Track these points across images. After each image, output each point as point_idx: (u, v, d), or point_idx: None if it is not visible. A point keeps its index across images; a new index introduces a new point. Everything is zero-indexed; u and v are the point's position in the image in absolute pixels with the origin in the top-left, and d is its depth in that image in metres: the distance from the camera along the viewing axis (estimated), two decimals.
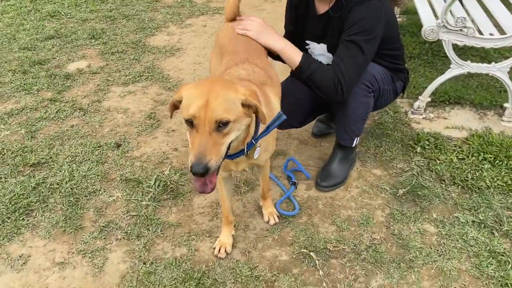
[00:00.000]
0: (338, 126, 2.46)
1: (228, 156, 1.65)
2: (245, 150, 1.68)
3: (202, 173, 1.38)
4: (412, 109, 3.00)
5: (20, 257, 2.10)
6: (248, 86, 1.64)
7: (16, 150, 2.78)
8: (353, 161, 2.59)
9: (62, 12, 4.99)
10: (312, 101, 2.49)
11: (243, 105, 1.50)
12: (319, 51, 2.33)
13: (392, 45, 2.31)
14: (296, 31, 2.40)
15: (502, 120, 2.88)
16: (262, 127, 1.71)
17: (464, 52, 3.71)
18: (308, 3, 2.28)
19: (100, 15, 4.95)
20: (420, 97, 2.94)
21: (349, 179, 2.55)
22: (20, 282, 1.98)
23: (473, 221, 2.25)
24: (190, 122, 1.45)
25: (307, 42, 2.36)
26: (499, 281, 1.96)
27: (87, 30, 4.55)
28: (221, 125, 1.43)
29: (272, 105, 1.81)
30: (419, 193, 2.43)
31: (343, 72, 2.03)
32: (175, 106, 1.60)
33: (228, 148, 1.53)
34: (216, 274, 2.00)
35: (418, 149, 2.71)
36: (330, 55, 2.27)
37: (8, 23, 4.76)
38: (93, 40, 4.35)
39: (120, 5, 5.24)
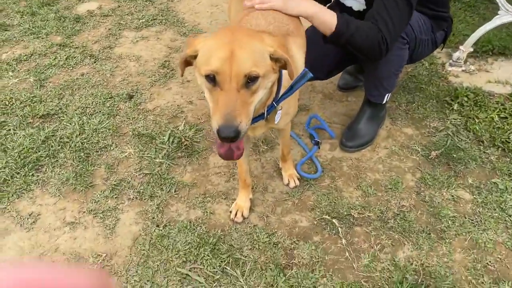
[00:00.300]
0: (368, 81, 2.22)
1: None
2: (265, 114, 1.49)
3: (233, 137, 1.20)
4: (450, 61, 2.72)
5: (29, 215, 2.02)
6: (275, 37, 1.42)
7: (25, 100, 2.65)
8: (382, 119, 2.38)
9: None
10: (339, 51, 2.24)
11: (271, 58, 1.30)
12: None
13: None
14: None
15: None
16: (284, 87, 1.51)
17: None
18: None
19: None
20: (460, 47, 2.65)
21: (377, 138, 2.35)
22: (30, 241, 1.92)
23: None
24: (211, 79, 1.25)
25: None
26: None
27: None
28: (250, 81, 1.24)
29: (295, 60, 1.59)
30: (454, 155, 2.22)
31: (389, 27, 1.76)
32: (187, 62, 1.40)
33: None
34: (232, 240, 1.89)
35: (455, 106, 2.47)
36: (363, 1, 1.99)
37: None
38: None
39: None
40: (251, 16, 1.62)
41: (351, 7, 2.06)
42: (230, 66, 1.21)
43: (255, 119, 1.49)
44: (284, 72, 1.44)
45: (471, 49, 2.63)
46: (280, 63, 1.33)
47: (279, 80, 1.47)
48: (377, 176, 2.16)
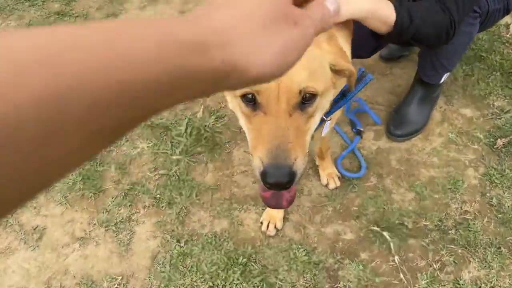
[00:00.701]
0: (424, 59, 1.82)
1: None
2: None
3: (287, 183, 0.88)
4: None
5: (34, 229, 1.79)
6: (331, 40, 1.06)
7: None
8: (436, 100, 2.00)
9: None
10: None
11: (331, 69, 0.97)
12: None
13: None
14: None
15: None
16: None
17: None
18: None
19: None
20: None
21: (430, 123, 1.99)
22: (36, 262, 1.70)
23: None
24: (249, 99, 0.92)
25: None
26: None
27: None
28: (305, 101, 0.91)
29: (345, 55, 1.21)
30: None
31: (460, 9, 1.33)
32: None
33: None
34: (265, 259, 1.63)
35: None
36: None
37: None
38: None
39: None
40: None
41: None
42: (277, 81, 0.87)
43: None
44: None
45: None
46: (340, 76, 0.98)
47: None
48: (432, 173, 1.83)
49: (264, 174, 0.88)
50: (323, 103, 0.97)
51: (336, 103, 1.18)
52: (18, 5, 2.90)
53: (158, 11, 2.73)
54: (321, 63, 0.94)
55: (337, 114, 1.32)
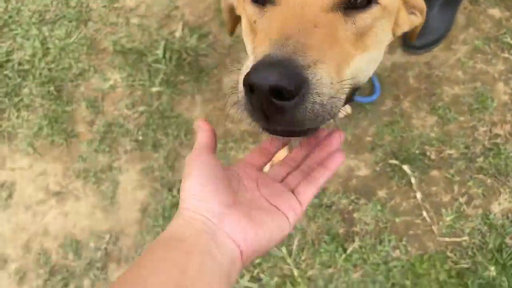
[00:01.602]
0: None
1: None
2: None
3: (283, 90, 0.48)
4: None
5: (2, 186, 1.56)
6: None
7: None
8: (460, 0, 1.67)
9: None
10: None
11: None
12: None
13: None
14: None
15: None
16: None
17: None
18: None
19: None
20: None
21: (454, 28, 1.68)
22: (9, 224, 1.49)
23: None
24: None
25: None
26: None
27: None
28: (357, 6, 0.60)
29: None
30: None
31: None
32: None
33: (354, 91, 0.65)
34: None
35: None
36: None
37: None
38: None
39: None
40: None
41: None
42: None
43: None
44: None
45: None
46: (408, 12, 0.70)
47: None
48: (457, 90, 1.57)
49: (250, 71, 0.49)
50: (384, 29, 0.65)
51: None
52: None
53: None
54: None
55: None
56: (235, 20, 0.81)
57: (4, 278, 1.45)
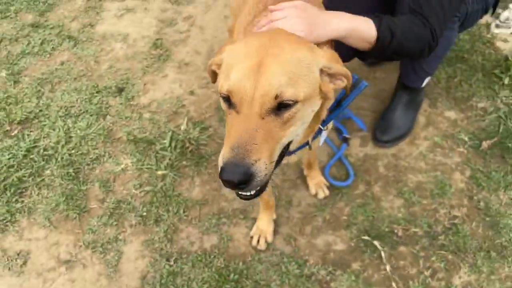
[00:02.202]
0: (404, 64, 1.83)
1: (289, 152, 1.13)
2: (310, 141, 1.15)
3: (240, 183, 0.86)
4: (497, 21, 2.27)
5: (18, 254, 1.74)
6: (326, 46, 1.07)
7: None
8: (420, 104, 2.01)
9: None
10: None
11: (321, 72, 0.97)
12: None
13: None
14: None
15: None
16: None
17: None
18: None
19: None
20: (510, 4, 2.19)
21: (416, 127, 1.99)
22: None
23: None
24: (228, 99, 0.92)
25: None
26: None
27: None
28: (283, 107, 0.90)
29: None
30: (510, 145, 1.88)
31: (439, 17, 1.33)
32: (215, 73, 1.07)
33: (286, 148, 1.00)
34: (257, 274, 1.61)
35: (506, 80, 2.08)
36: None
37: None
38: None
39: None
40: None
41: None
42: (254, 82, 0.88)
43: (296, 150, 1.15)
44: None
45: None
46: (335, 80, 0.98)
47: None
48: (420, 178, 1.83)
49: (221, 170, 0.86)
50: (307, 111, 0.95)
51: (331, 112, 1.17)
52: None
53: (136, 19, 2.67)
54: (309, 67, 0.93)
55: (331, 122, 1.31)
56: (215, 78, 1.11)
57: None
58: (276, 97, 0.88)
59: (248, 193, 0.95)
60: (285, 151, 1.00)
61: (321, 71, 0.97)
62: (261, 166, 0.87)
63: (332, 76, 0.99)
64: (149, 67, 2.38)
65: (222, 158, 0.88)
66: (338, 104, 1.20)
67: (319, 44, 1.12)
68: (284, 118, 0.91)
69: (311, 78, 0.95)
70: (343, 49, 1.52)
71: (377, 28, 1.27)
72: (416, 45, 1.36)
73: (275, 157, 0.94)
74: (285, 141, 0.95)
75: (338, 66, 0.98)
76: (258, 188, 0.92)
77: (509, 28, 2.24)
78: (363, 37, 1.28)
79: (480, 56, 2.20)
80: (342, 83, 1.02)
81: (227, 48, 1.00)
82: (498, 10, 2.26)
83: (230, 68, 0.93)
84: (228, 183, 0.86)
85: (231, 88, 0.89)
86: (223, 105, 0.95)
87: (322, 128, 1.15)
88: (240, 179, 0.85)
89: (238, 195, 0.97)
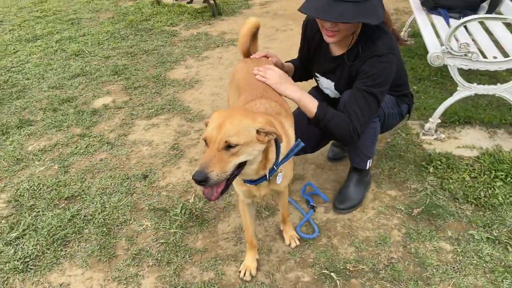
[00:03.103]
0: (350, 151, 2.59)
1: (252, 181, 1.83)
2: (267, 176, 1.83)
3: (200, 181, 1.55)
4: (423, 131, 3.12)
5: (60, 285, 2.26)
6: (266, 117, 1.82)
7: (51, 185, 2.98)
8: (368, 183, 2.71)
9: (86, 51, 5.29)
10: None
11: (258, 132, 1.67)
12: (327, 85, 2.47)
13: (398, 80, 2.42)
14: (307, 59, 2.54)
15: None
16: (282, 154, 1.86)
17: (474, 72, 3.82)
18: (321, 40, 2.32)
19: (122, 52, 5.23)
20: (430, 119, 3.06)
21: (365, 200, 2.66)
22: None
23: (488, 238, 2.34)
24: (205, 141, 1.64)
25: (317, 75, 2.51)
26: None
27: (110, 67, 4.82)
28: (230, 147, 1.60)
29: (288, 133, 1.96)
30: (434, 212, 2.53)
31: (359, 119, 2.15)
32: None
33: (240, 169, 1.70)
34: None
35: (431, 169, 2.82)
36: (336, 92, 2.41)
37: (36, 64, 5.06)
38: (116, 76, 4.61)
39: (140, 41, 5.53)
40: (254, 103, 2.02)
41: (328, 95, 2.50)
42: (217, 132, 1.60)
43: (259, 180, 1.83)
44: (282, 144, 1.82)
45: (439, 120, 3.04)
46: (270, 136, 1.69)
47: (277, 148, 1.82)
48: (368, 234, 2.44)
49: (193, 175, 1.56)
50: (248, 150, 1.65)
51: (283, 159, 1.87)
52: (47, 130, 3.69)
53: (159, 131, 3.54)
54: (248, 128, 1.65)
55: (288, 172, 2.01)
56: None
57: None
58: (226, 141, 1.61)
59: (212, 195, 1.65)
60: (240, 170, 1.69)
61: (258, 131, 1.69)
62: (214, 174, 1.56)
63: (267, 133, 1.72)
64: (167, 162, 3.16)
65: (195, 170, 1.58)
66: (287, 155, 1.92)
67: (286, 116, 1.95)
68: (231, 152, 1.61)
69: (249, 133, 1.66)
70: (306, 141, 2.32)
71: (318, 107, 2.10)
72: (339, 132, 2.17)
73: (228, 171, 1.61)
74: (233, 163, 1.63)
75: (269, 127, 1.68)
76: (220, 191, 1.66)
77: (432, 135, 3.07)
78: (307, 108, 2.15)
79: (412, 154, 2.99)
80: (273, 136, 1.73)
81: (213, 115, 1.75)
82: (425, 124, 3.13)
83: (208, 125, 1.67)
84: (195, 181, 1.56)
85: (206, 135, 1.63)
86: (204, 145, 1.67)
87: (275, 167, 1.85)
88: (200, 179, 1.54)
89: (204, 194, 1.67)
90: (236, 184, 2.00)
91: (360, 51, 2.18)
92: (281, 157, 1.87)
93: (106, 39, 5.65)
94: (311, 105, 2.18)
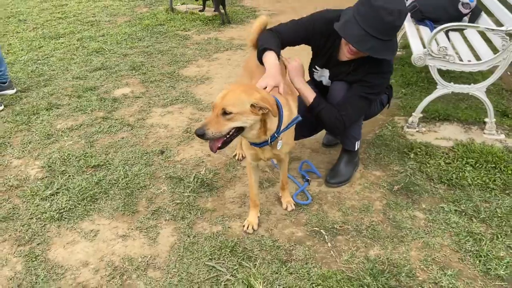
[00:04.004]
0: (341, 135, 3.02)
1: (256, 144, 2.25)
2: (269, 141, 2.26)
3: (198, 135, 2.03)
4: (407, 124, 3.56)
5: (91, 231, 2.66)
6: (277, 96, 2.26)
7: (79, 155, 3.40)
8: (356, 164, 3.14)
9: (106, 49, 5.76)
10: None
11: (253, 106, 2.08)
12: (323, 74, 2.91)
13: None
14: (296, 42, 2.80)
15: (484, 133, 3.41)
16: (284, 124, 2.29)
17: (454, 76, 4.28)
18: (333, 49, 2.69)
19: (139, 51, 5.70)
20: (413, 113, 3.51)
21: (353, 178, 3.08)
22: (93, 248, 2.54)
23: (456, 210, 2.75)
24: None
25: (317, 68, 2.94)
26: (474, 254, 2.44)
27: (128, 63, 5.28)
28: (226, 113, 2.04)
29: (292, 109, 2.40)
30: (411, 188, 2.94)
31: (351, 119, 2.66)
32: None
33: (238, 132, 2.14)
34: (246, 244, 2.53)
35: (412, 155, 3.25)
36: (329, 81, 2.86)
37: (60, 58, 5.53)
38: (133, 71, 5.06)
39: (155, 42, 6.01)
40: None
41: (321, 81, 2.94)
42: (220, 101, 2.06)
43: (262, 144, 2.26)
44: (285, 114, 2.25)
45: (421, 115, 3.48)
46: (263, 110, 2.11)
47: (280, 120, 2.25)
48: (353, 203, 2.85)
49: (195, 131, 2.02)
50: (242, 118, 2.07)
51: (284, 129, 2.29)
52: (73, 113, 4.13)
53: (174, 117, 3.97)
54: (243, 101, 2.07)
55: (289, 140, 2.44)
56: None
57: None
58: (223, 109, 2.04)
59: (212, 147, 2.12)
60: (239, 133, 2.14)
61: (252, 105, 2.12)
62: (209, 131, 2.02)
63: (261, 108, 2.14)
64: (181, 142, 3.58)
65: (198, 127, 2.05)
66: (287, 126, 2.35)
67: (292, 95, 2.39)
68: (227, 118, 2.05)
69: (243, 105, 2.08)
70: (305, 126, 2.72)
71: (315, 98, 2.54)
72: (329, 123, 2.67)
73: (223, 132, 2.06)
74: (228, 126, 2.06)
75: (262, 103, 2.09)
76: (218, 145, 2.11)
77: (414, 128, 3.51)
78: (306, 98, 2.59)
79: (397, 143, 3.42)
80: (265, 110, 2.15)
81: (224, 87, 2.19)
82: (409, 118, 3.57)
83: (217, 95, 2.12)
84: (196, 134, 2.02)
85: (214, 102, 2.08)
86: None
87: (276, 135, 2.28)
88: (198, 133, 2.01)
89: (209, 146, 2.15)
90: (246, 148, 2.43)
91: (368, 66, 2.61)
92: (283, 127, 2.30)
93: (124, 39, 6.13)
94: (310, 96, 2.66)
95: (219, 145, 2.12)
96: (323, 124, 2.77)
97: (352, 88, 2.68)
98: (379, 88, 2.64)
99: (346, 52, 2.60)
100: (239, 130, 2.13)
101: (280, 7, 7.59)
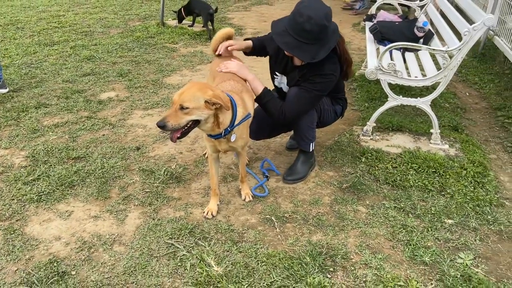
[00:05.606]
0: (296, 136, 3.37)
1: (212, 136, 2.59)
2: (222, 134, 2.60)
3: (160, 126, 2.36)
4: (362, 132, 3.92)
5: (66, 211, 2.96)
6: (230, 93, 2.60)
7: (61, 148, 3.72)
8: (312, 164, 3.48)
9: (96, 57, 6.13)
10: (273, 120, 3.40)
11: (207, 102, 2.42)
12: (282, 81, 3.28)
13: (336, 88, 3.23)
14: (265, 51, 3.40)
15: (430, 143, 3.78)
16: (238, 120, 2.64)
17: (409, 91, 4.66)
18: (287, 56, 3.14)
19: (127, 60, 6.07)
20: (367, 122, 3.87)
21: (308, 177, 3.42)
22: (66, 226, 2.84)
23: (395, 207, 3.08)
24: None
25: (277, 74, 3.31)
26: (405, 243, 2.76)
27: (116, 70, 5.64)
28: (183, 108, 2.37)
29: (246, 105, 2.75)
30: (359, 187, 3.28)
31: (290, 108, 3.01)
32: None
33: (195, 124, 2.48)
34: (204, 227, 2.84)
35: (363, 159, 3.60)
36: (287, 87, 3.23)
37: (53, 63, 5.88)
38: (120, 78, 5.42)
39: (144, 53, 6.39)
40: (224, 83, 2.81)
41: (281, 88, 3.30)
42: (178, 97, 2.40)
43: (217, 136, 2.60)
44: (239, 111, 2.60)
45: (374, 124, 3.85)
46: (216, 106, 2.46)
47: (233, 115, 2.59)
48: (305, 197, 3.18)
49: (157, 123, 2.36)
50: (197, 113, 2.41)
51: (236, 124, 2.63)
52: (60, 112, 4.45)
53: (153, 119, 4.30)
54: (198, 98, 2.41)
55: (244, 134, 2.78)
56: None
57: None
58: (180, 104, 2.38)
59: (172, 138, 2.44)
60: (195, 125, 2.48)
61: (206, 101, 2.47)
62: (169, 124, 2.34)
63: (214, 103, 2.49)
64: (157, 140, 3.91)
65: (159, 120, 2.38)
66: (239, 122, 2.69)
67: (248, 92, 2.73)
68: (184, 112, 2.39)
69: (198, 101, 2.42)
70: (262, 129, 3.08)
71: (262, 91, 2.91)
72: (272, 113, 3.02)
73: (181, 124, 2.39)
74: (186, 119, 2.39)
75: (214, 99, 2.43)
76: (177, 136, 2.45)
77: (369, 136, 3.87)
78: (255, 89, 2.96)
79: (351, 148, 3.77)
80: (218, 105, 2.50)
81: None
82: (363, 127, 3.93)
83: (176, 91, 2.47)
84: (157, 126, 2.34)
85: (172, 98, 2.42)
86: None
87: (229, 129, 2.62)
88: (159, 125, 2.33)
89: (170, 137, 2.47)
90: (205, 139, 2.77)
91: (314, 69, 2.98)
92: (236, 122, 2.64)
93: (115, 49, 6.51)
94: (259, 88, 3.01)
95: (178, 135, 2.45)
96: (267, 113, 3.11)
97: (299, 85, 3.05)
98: (320, 86, 2.97)
99: (296, 61, 2.99)
100: (196, 123, 2.47)
101: (265, 26, 8.03)
